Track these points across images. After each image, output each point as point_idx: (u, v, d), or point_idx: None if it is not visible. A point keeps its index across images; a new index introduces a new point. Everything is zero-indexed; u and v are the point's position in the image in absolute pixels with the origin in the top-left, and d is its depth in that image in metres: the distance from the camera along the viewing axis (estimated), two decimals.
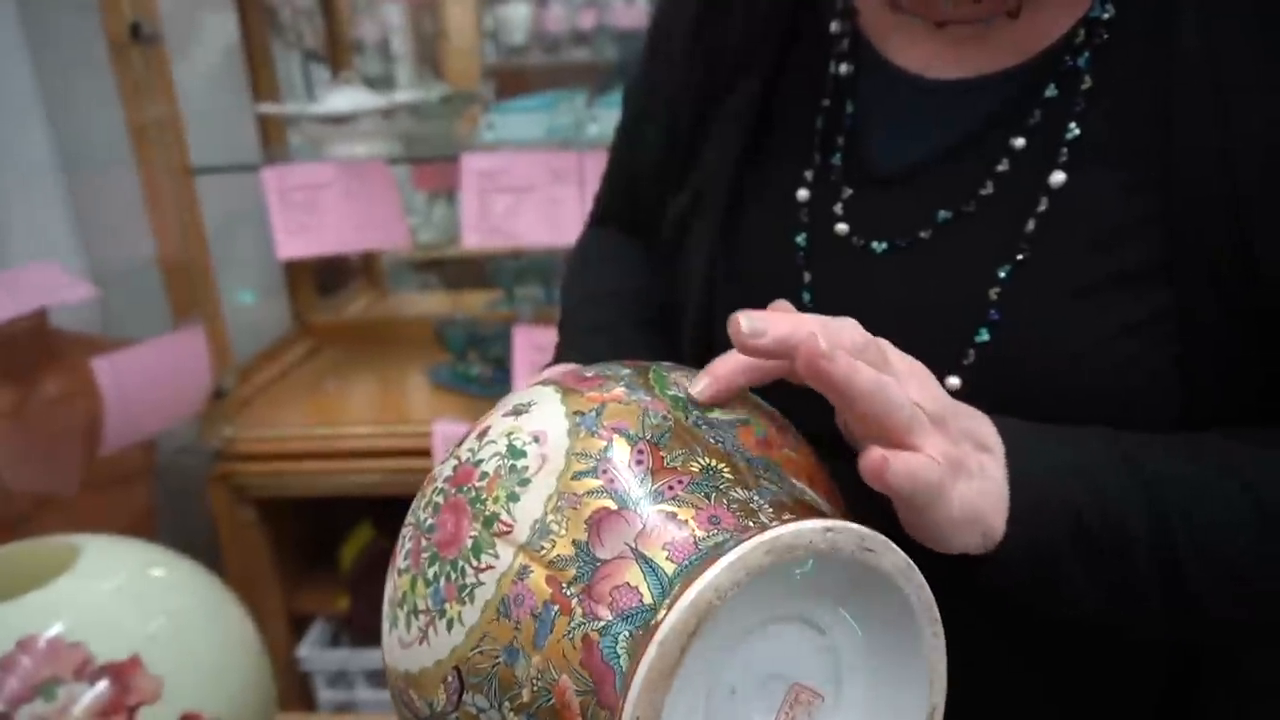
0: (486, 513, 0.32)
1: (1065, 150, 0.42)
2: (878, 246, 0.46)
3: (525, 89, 2.20)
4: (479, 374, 1.42)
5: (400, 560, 0.35)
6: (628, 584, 0.29)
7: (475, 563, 0.31)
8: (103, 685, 0.53)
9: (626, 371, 0.36)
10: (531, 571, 0.30)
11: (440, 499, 0.34)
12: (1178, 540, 0.36)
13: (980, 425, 0.36)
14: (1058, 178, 0.41)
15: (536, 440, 0.33)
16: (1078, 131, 0.41)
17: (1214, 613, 0.38)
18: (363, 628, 1.44)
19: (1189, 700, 0.46)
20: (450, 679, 0.31)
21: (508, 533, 0.31)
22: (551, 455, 0.32)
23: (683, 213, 0.54)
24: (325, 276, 1.72)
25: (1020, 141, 0.43)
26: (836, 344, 0.32)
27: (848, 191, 0.48)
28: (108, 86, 1.15)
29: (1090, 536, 0.36)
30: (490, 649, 0.30)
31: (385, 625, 0.35)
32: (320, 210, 1.24)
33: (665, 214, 0.56)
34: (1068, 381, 0.41)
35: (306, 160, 1.29)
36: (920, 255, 0.45)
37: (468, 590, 0.31)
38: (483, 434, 0.35)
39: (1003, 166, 0.43)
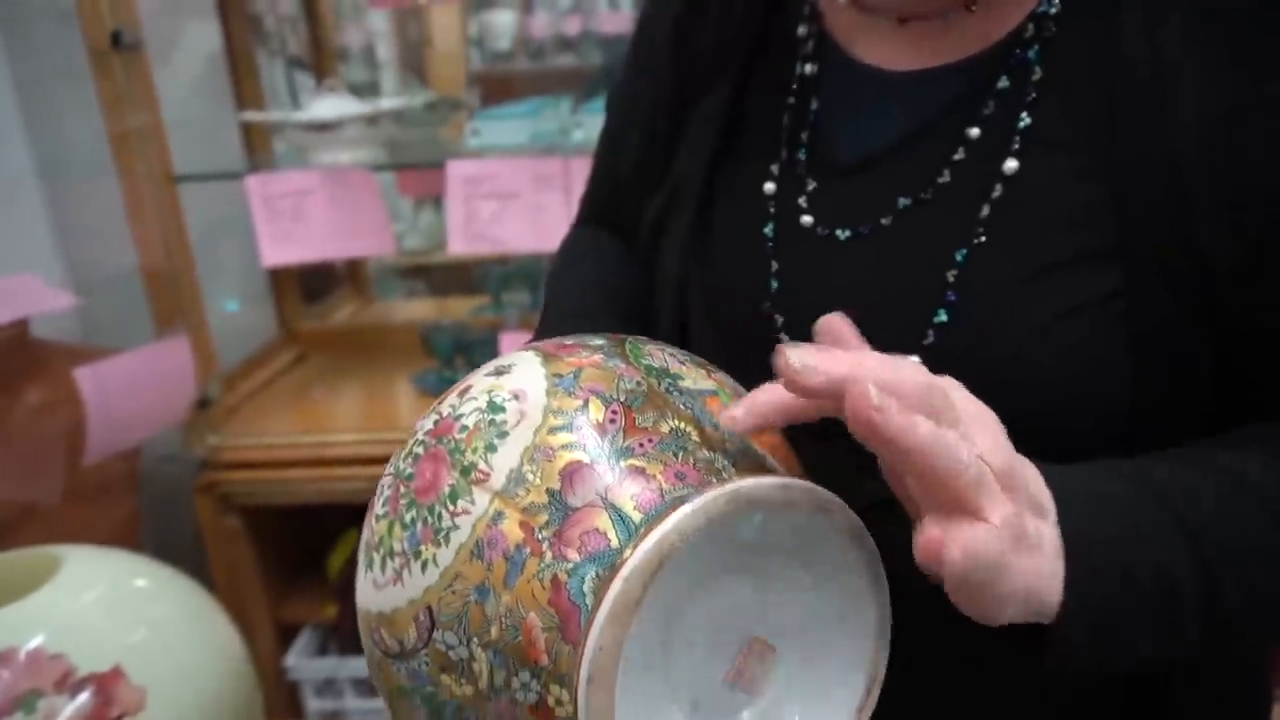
0: (465, 462, 0.33)
1: (1018, 139, 0.43)
2: (841, 234, 0.47)
3: (511, 95, 2.20)
4: None
5: (378, 507, 0.36)
6: (596, 529, 0.30)
7: (452, 508, 0.33)
8: (84, 697, 0.53)
9: (603, 341, 0.38)
10: (505, 517, 0.32)
11: (420, 450, 0.35)
12: (1218, 573, 0.36)
13: (1034, 479, 0.34)
14: (1011, 165, 0.43)
15: (516, 398, 0.35)
16: (1029, 120, 0.43)
17: (1245, 630, 0.38)
18: (351, 636, 1.43)
19: (1155, 693, 0.46)
20: (422, 617, 0.33)
21: (484, 480, 0.33)
22: (530, 411, 0.34)
23: (658, 214, 0.56)
24: (311, 283, 1.71)
25: (975, 131, 0.44)
26: (894, 388, 0.29)
27: (811, 184, 0.49)
28: (88, 95, 1.14)
29: (1142, 591, 0.35)
30: (462, 588, 0.32)
31: (360, 569, 0.36)
32: (305, 218, 1.24)
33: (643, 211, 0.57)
34: (1022, 361, 0.41)
35: (291, 167, 1.29)
36: (882, 241, 0.46)
37: (443, 533, 0.33)
38: (464, 391, 0.36)
39: (959, 155, 0.44)
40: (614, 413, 0.33)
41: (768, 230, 0.50)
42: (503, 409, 0.34)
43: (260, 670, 1.37)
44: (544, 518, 0.31)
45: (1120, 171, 0.40)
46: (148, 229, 1.19)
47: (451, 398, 0.36)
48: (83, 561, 0.62)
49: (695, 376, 0.37)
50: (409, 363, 1.52)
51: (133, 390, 1.10)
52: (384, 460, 1.33)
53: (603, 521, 0.30)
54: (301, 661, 1.40)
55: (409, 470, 0.35)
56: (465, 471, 0.33)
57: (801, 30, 0.51)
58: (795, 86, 0.51)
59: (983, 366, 0.41)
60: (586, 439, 0.33)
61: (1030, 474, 0.34)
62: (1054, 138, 0.42)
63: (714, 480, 0.31)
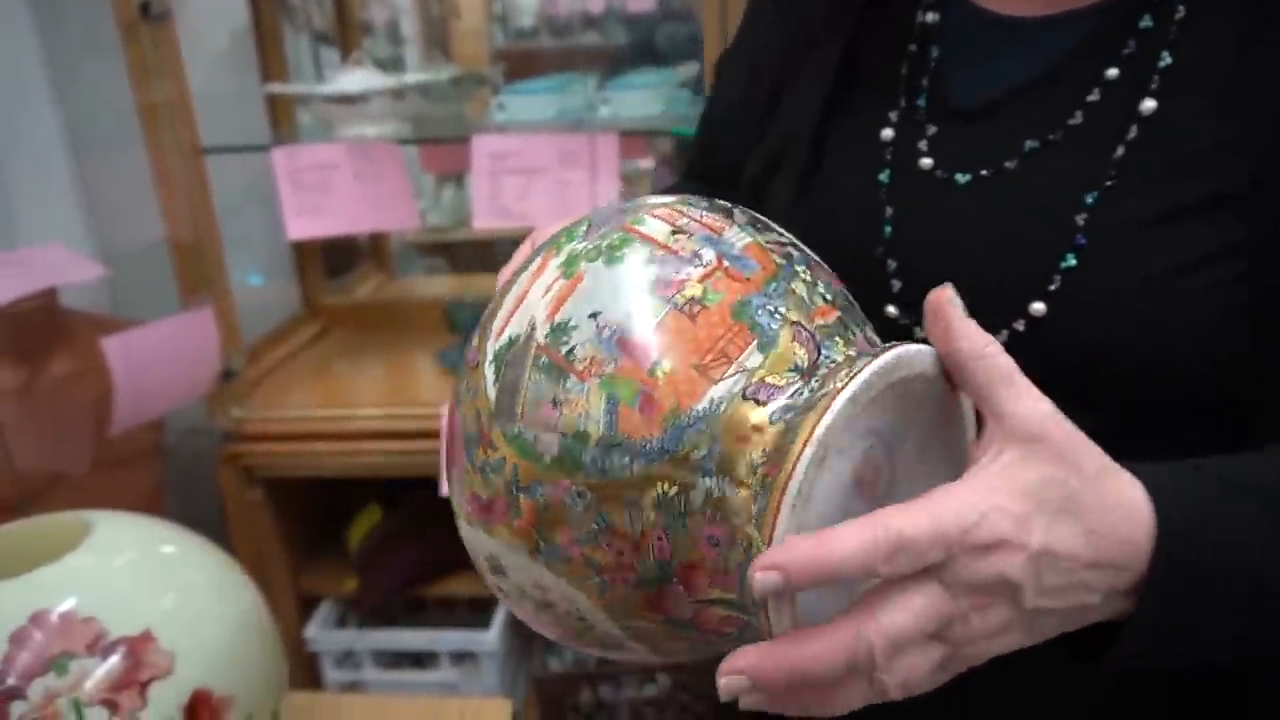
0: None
1: (1158, 78, 0.42)
2: (961, 178, 0.47)
3: (534, 72, 2.19)
4: None
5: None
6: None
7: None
8: (115, 660, 0.53)
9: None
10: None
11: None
12: None
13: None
14: (1149, 105, 0.42)
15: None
16: (1170, 60, 0.42)
17: None
18: (370, 609, 1.45)
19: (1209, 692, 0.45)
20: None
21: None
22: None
23: (762, 169, 0.55)
24: (333, 259, 1.72)
25: (1114, 71, 0.44)
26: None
27: (932, 129, 0.49)
28: (117, 66, 1.14)
29: (1222, 591, 0.33)
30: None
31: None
32: (330, 191, 1.24)
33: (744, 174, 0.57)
34: (1148, 306, 0.41)
35: (316, 141, 1.28)
36: (1005, 184, 0.46)
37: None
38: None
39: (1093, 96, 0.44)
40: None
41: (883, 176, 0.50)
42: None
43: (282, 642, 1.39)
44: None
45: (1255, 114, 0.40)
46: (175, 201, 1.19)
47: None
48: (113, 527, 0.62)
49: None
50: (432, 339, 1.52)
51: (158, 361, 1.10)
52: (406, 435, 1.34)
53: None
54: (321, 633, 1.41)
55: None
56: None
57: None
58: (916, 34, 0.51)
59: (1108, 310, 0.42)
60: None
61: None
62: (1192, 78, 0.42)
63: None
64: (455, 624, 1.46)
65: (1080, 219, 0.43)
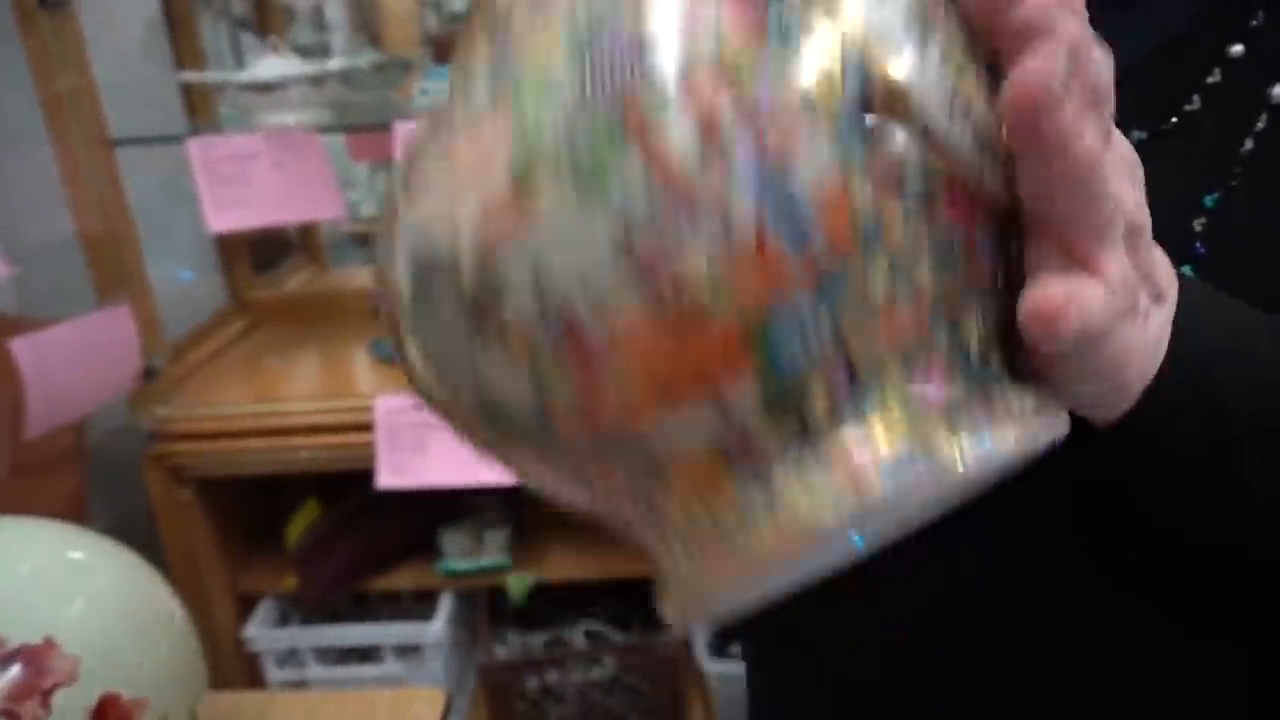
0: None
1: None
2: None
3: None
4: None
5: None
6: None
7: None
8: (15, 669, 0.52)
9: None
10: None
11: None
12: None
13: (1162, 260, 0.29)
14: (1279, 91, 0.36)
15: None
16: None
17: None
18: (312, 606, 1.43)
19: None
20: None
21: None
22: None
23: None
24: (262, 252, 1.68)
25: (1238, 48, 0.37)
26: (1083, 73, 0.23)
27: None
28: (16, 56, 1.10)
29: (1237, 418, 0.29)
30: None
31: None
32: (250, 182, 1.21)
33: None
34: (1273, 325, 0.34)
35: (236, 130, 1.25)
36: None
37: None
38: None
39: (1214, 78, 0.37)
40: None
41: None
42: None
43: (220, 642, 1.37)
44: None
45: None
46: (84, 194, 1.15)
47: None
48: (15, 534, 0.60)
49: None
50: (364, 330, 1.50)
51: (73, 362, 1.07)
52: (341, 429, 1.32)
53: None
54: (261, 632, 1.39)
55: None
56: None
57: None
58: None
59: (1229, 332, 0.34)
60: None
61: (1158, 254, 0.28)
62: None
63: None
64: (400, 617, 1.45)
65: (1199, 224, 0.36)
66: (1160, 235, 0.33)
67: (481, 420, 0.25)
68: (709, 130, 0.21)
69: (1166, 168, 0.36)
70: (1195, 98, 0.38)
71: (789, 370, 0.22)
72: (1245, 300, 0.33)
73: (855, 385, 0.22)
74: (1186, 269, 0.36)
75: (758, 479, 0.23)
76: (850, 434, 0.22)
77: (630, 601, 1.47)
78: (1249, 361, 0.30)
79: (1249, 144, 0.36)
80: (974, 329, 0.24)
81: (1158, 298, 0.28)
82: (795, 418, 0.22)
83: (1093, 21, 0.32)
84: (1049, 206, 0.24)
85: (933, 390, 0.23)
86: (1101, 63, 0.24)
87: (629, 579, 1.36)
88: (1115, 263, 0.24)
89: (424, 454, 1.22)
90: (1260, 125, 0.36)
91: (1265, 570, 0.32)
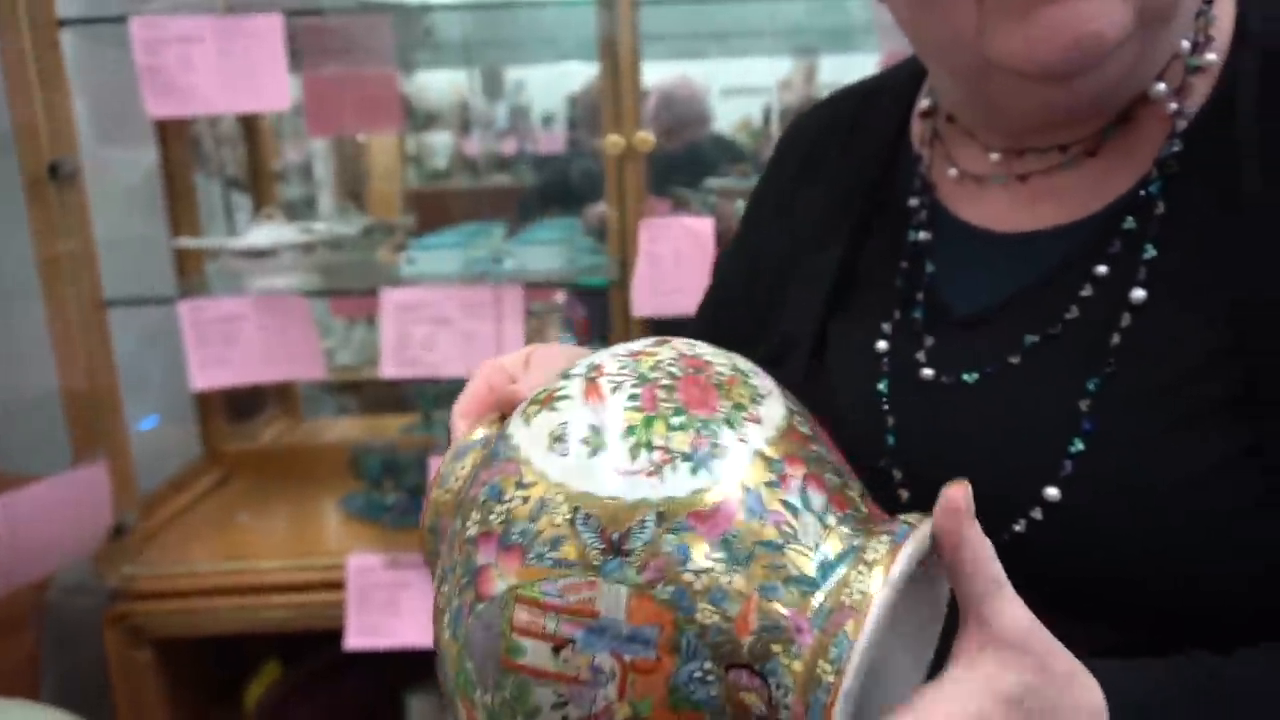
0: (734, 399, 0.35)
1: (1144, 269, 0.44)
2: (968, 377, 0.49)
3: (447, 215, 2.25)
4: (394, 503, 1.41)
5: (611, 393, 0.35)
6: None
7: (732, 432, 0.34)
8: None
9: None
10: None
11: (675, 371, 0.36)
12: None
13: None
14: (1138, 294, 0.44)
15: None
16: (1154, 253, 0.44)
17: None
18: None
19: None
20: (649, 519, 0.32)
21: (757, 423, 0.35)
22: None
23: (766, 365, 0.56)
24: (238, 402, 1.69)
25: (1103, 269, 0.46)
26: None
27: (929, 340, 0.51)
28: (18, 217, 1.14)
29: None
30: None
31: (581, 449, 0.34)
32: (236, 342, 1.25)
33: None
34: (1160, 485, 0.42)
35: (224, 290, 1.30)
36: (1010, 380, 0.47)
37: (720, 450, 0.33)
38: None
39: (1086, 291, 0.46)
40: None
41: (882, 386, 0.51)
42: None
43: None
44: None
45: (1243, 317, 0.41)
46: (72, 353, 1.17)
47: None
48: None
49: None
50: (337, 485, 1.50)
51: (45, 521, 1.06)
52: (310, 587, 1.30)
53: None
54: None
55: (664, 380, 0.35)
56: (738, 407, 0.35)
57: (913, 202, 0.54)
58: (908, 251, 0.54)
59: (1120, 493, 0.42)
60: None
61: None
62: (1179, 273, 0.44)
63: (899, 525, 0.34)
64: None
65: (1084, 405, 0.44)
66: (1053, 419, 0.45)
67: None
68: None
69: (1055, 363, 0.47)
70: (1074, 308, 0.47)
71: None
72: (1126, 467, 0.43)
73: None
74: (1078, 441, 0.44)
75: None
76: None
77: None
78: None
79: (1117, 338, 0.45)
80: None
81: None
82: None
83: (979, 271, 0.50)
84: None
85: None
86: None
87: None
88: None
89: (397, 614, 1.21)
90: (1125, 323, 0.45)
91: None
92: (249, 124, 1.69)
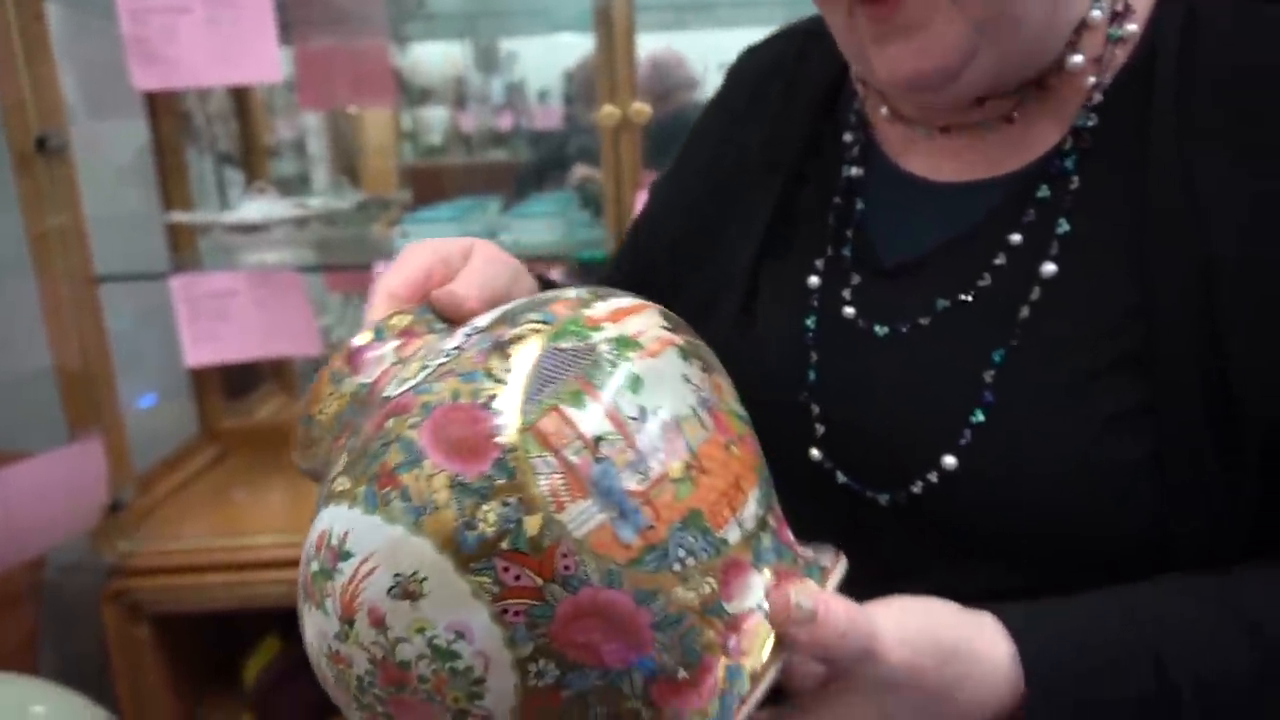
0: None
1: (1056, 244, 0.45)
2: (880, 330, 0.49)
3: (442, 191, 2.24)
4: None
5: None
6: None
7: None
8: None
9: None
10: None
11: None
12: (1183, 698, 0.38)
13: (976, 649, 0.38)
14: (1049, 269, 0.45)
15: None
16: (1067, 227, 0.45)
17: None
18: None
19: None
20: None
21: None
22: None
23: (696, 306, 0.55)
24: (234, 379, 1.69)
25: (1016, 237, 0.46)
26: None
27: (856, 279, 0.52)
28: (7, 193, 1.13)
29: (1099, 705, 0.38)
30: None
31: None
32: (230, 318, 1.24)
33: (678, 297, 0.58)
34: (1056, 461, 0.42)
35: (217, 266, 1.29)
36: (920, 340, 0.48)
37: None
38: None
39: (999, 260, 0.47)
40: None
41: (809, 322, 0.52)
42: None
43: None
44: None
45: (1151, 283, 0.42)
46: (65, 330, 1.16)
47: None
48: None
49: None
50: None
51: (41, 497, 1.06)
52: None
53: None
54: None
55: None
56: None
57: (848, 137, 0.55)
58: (842, 187, 0.54)
59: (1018, 465, 0.43)
60: None
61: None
62: (1090, 245, 0.44)
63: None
64: None
65: (988, 376, 0.45)
66: (957, 385, 0.45)
67: None
68: None
69: (964, 330, 0.47)
70: (986, 275, 0.47)
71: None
72: (1024, 440, 0.43)
73: None
74: (979, 412, 0.45)
75: None
76: None
77: None
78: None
79: (1025, 312, 0.45)
80: None
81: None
82: None
83: (906, 218, 0.52)
84: None
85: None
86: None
87: None
88: None
89: None
90: (1034, 297, 0.45)
91: None
92: (241, 98, 1.67)
